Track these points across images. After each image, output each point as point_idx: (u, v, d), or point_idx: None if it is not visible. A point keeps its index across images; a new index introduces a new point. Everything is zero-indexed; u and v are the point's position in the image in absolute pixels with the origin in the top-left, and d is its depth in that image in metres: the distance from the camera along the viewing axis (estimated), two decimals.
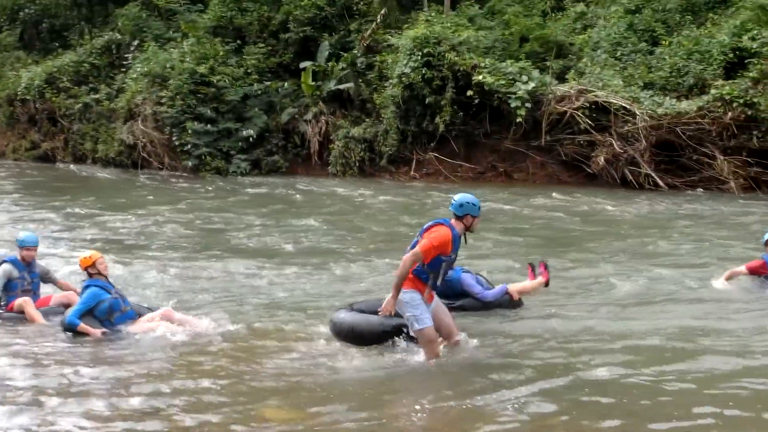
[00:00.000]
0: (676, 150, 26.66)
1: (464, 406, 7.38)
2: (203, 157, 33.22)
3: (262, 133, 34.08)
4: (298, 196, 27.31)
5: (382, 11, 34.67)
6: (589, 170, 27.95)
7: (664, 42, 29.20)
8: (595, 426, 6.80)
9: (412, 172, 30.85)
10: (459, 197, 8.77)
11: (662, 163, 26.82)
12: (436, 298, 8.90)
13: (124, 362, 9.20)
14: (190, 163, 33.30)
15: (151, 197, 27.11)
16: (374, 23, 34.52)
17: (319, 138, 33.41)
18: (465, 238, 8.81)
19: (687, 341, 9.20)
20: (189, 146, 33.38)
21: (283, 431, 6.89)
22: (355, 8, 35.91)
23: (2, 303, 11.39)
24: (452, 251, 8.61)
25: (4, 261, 11.55)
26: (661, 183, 26.31)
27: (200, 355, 9.35)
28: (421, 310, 8.51)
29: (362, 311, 9.40)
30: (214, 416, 7.20)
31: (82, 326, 10.15)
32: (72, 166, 38.04)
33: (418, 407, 7.38)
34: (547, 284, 11.28)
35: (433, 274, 8.57)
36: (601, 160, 27.09)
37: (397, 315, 8.68)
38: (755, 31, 26.62)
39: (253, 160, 33.64)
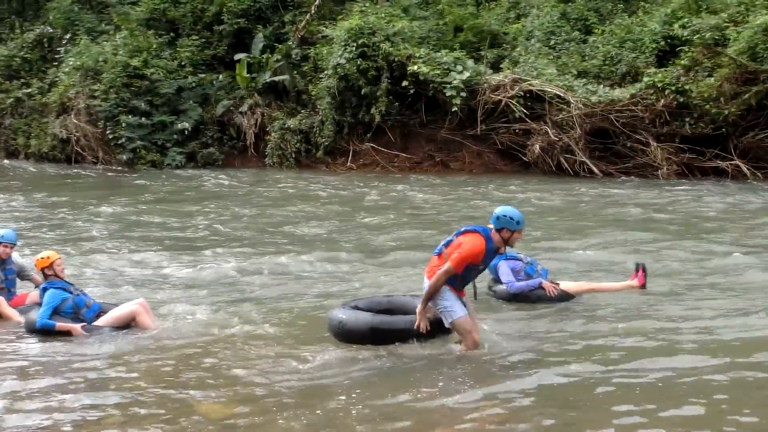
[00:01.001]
0: (610, 137, 26.49)
1: (421, 409, 6.93)
2: (138, 150, 32.24)
3: (197, 126, 33.29)
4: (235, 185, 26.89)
5: (317, 2, 34.12)
6: (524, 158, 27.73)
7: (596, 31, 29.05)
8: None
9: (348, 163, 30.43)
10: (499, 209, 8.33)
11: (597, 150, 26.63)
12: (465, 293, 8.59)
13: (76, 361, 8.70)
14: (124, 157, 32.31)
15: (89, 192, 26.20)
16: (308, 14, 34.00)
17: (254, 130, 32.84)
18: (505, 250, 8.50)
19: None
20: (123, 140, 32.38)
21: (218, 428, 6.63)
22: (288, 0, 35.33)
23: None
24: (482, 262, 8.35)
25: None
26: (596, 170, 26.10)
27: (148, 353, 8.95)
28: (452, 301, 8.21)
29: (359, 308, 8.84)
30: (152, 414, 6.95)
31: (60, 325, 9.54)
32: (5, 162, 36.99)
33: (361, 406, 6.94)
34: (643, 287, 10.81)
35: (459, 279, 8.30)
36: (537, 148, 26.86)
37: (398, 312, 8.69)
38: (686, 19, 26.55)
39: (188, 152, 32.80)
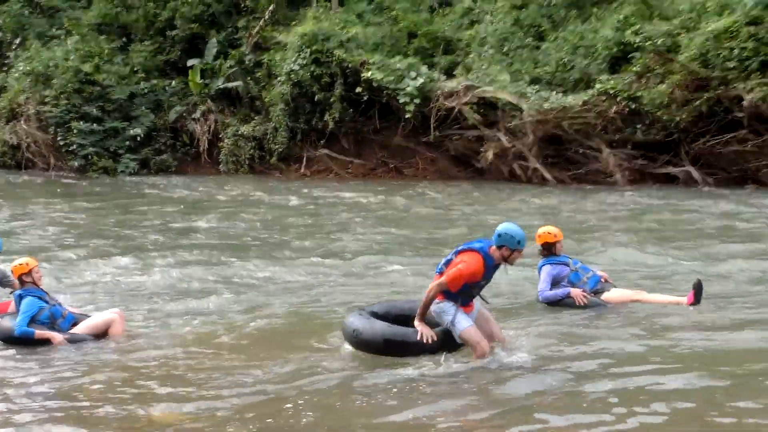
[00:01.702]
0: (562, 144, 26.49)
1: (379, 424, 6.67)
2: (90, 157, 31.76)
3: (149, 132, 32.83)
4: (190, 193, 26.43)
5: (270, 8, 33.81)
6: (477, 165, 27.65)
7: (549, 37, 28.89)
8: None
9: (302, 170, 30.28)
10: (501, 226, 8.09)
11: (549, 157, 26.58)
12: (476, 305, 8.38)
13: (38, 370, 8.51)
14: (76, 164, 31.78)
15: (39, 198, 25.39)
16: (262, 20, 33.67)
17: (208, 136, 32.55)
18: (505, 267, 8.21)
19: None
20: (75, 146, 31.89)
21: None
22: (242, 5, 34.66)
23: None
24: (483, 278, 8.12)
25: None
26: (548, 177, 26.06)
27: (114, 362, 8.74)
28: (457, 316, 8.03)
29: (376, 314, 8.53)
30: (105, 421, 6.87)
31: (40, 333, 9.17)
32: None
33: (313, 418, 6.75)
34: (692, 304, 10.09)
35: (461, 296, 8.08)
36: (490, 155, 26.82)
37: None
38: (638, 26, 26.33)
39: (141, 159, 32.35)
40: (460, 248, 8.20)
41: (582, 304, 10.27)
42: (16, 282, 10.12)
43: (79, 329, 9.53)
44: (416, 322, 8.10)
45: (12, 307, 10.05)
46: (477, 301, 8.39)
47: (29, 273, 9.64)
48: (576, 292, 10.35)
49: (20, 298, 9.51)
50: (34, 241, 17.34)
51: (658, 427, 6.25)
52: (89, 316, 9.81)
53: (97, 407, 7.13)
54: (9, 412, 7.11)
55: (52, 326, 9.42)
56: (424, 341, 7.98)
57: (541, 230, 10.89)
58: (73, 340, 9.35)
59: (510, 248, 7.99)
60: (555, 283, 10.52)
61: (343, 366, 8.13)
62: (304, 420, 6.67)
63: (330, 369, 8.05)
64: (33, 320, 9.34)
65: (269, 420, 6.70)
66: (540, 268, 10.64)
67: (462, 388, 7.44)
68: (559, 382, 7.36)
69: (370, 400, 7.11)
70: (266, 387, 7.57)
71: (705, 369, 7.51)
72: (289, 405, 6.95)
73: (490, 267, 8.06)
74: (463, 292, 8.08)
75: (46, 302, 9.56)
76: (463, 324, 8.04)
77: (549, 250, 10.67)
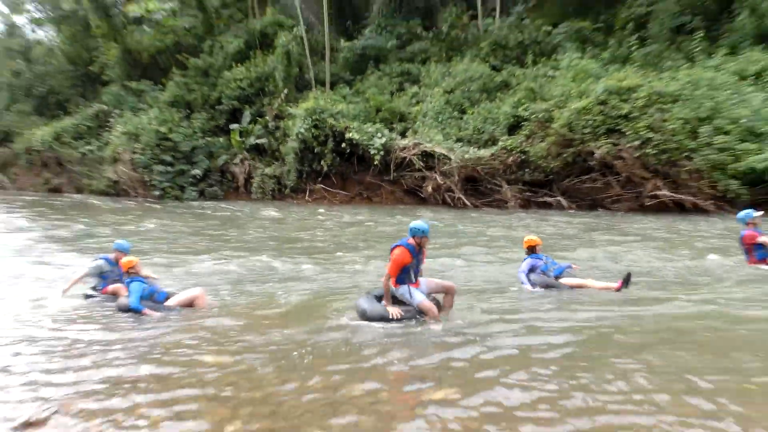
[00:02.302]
0: (477, 181, 26.58)
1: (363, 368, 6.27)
2: (165, 189, 32.08)
3: (205, 172, 32.98)
4: (234, 214, 26.34)
5: (285, 91, 33.96)
6: (421, 195, 27.81)
7: (469, 111, 29.08)
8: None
9: (306, 198, 30.30)
10: (412, 223, 7.97)
11: (468, 190, 26.61)
12: (422, 280, 8.19)
13: (139, 328, 8.42)
14: (156, 193, 32.00)
15: (137, 218, 24.69)
16: (279, 99, 33.82)
17: (244, 175, 32.65)
18: (421, 251, 7.99)
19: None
20: (155, 181, 32.15)
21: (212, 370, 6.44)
22: (266, 89, 34.98)
23: (98, 288, 10.46)
24: (414, 259, 7.92)
25: (99, 258, 10.65)
26: (468, 203, 26.13)
27: (189, 324, 8.54)
28: (412, 293, 7.93)
29: (377, 297, 8.39)
30: (172, 361, 6.84)
31: (147, 311, 9.11)
32: (75, 196, 35.99)
33: (319, 364, 6.49)
34: (618, 290, 9.59)
35: (406, 276, 7.96)
36: (429, 188, 26.91)
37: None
38: (527, 105, 26.58)
39: (199, 190, 32.56)
40: (392, 246, 8.03)
41: (540, 289, 9.98)
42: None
43: (171, 302, 9.51)
44: (385, 304, 7.98)
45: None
46: (421, 277, 8.22)
47: (133, 267, 9.73)
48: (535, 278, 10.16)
49: (129, 283, 9.58)
50: (145, 244, 16.80)
51: (539, 378, 5.89)
52: (176, 293, 9.81)
53: (172, 352, 7.14)
54: (110, 351, 7.21)
55: (150, 298, 9.47)
56: (392, 317, 7.88)
57: (526, 237, 10.62)
58: (166, 310, 9.36)
59: (419, 237, 7.89)
60: (531, 270, 10.23)
61: (343, 330, 7.90)
62: (305, 361, 6.58)
63: (333, 330, 7.85)
64: (140, 297, 9.44)
65: (279, 363, 6.56)
66: (523, 260, 10.40)
67: (418, 344, 7.18)
68: (479, 345, 6.93)
69: (351, 350, 6.94)
70: (286, 342, 7.38)
71: (597, 338, 7.12)
72: (295, 353, 6.84)
73: (413, 251, 7.90)
74: (406, 274, 7.93)
75: (146, 284, 9.61)
76: (417, 298, 7.92)
77: (532, 250, 10.42)
